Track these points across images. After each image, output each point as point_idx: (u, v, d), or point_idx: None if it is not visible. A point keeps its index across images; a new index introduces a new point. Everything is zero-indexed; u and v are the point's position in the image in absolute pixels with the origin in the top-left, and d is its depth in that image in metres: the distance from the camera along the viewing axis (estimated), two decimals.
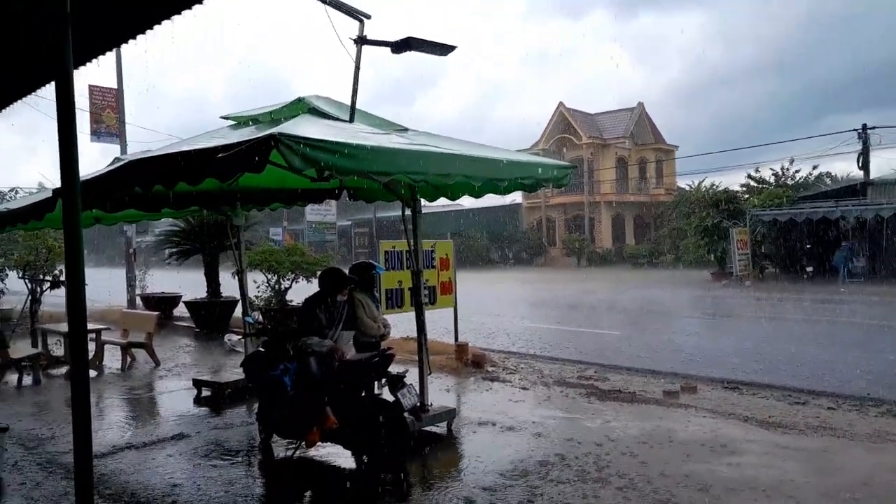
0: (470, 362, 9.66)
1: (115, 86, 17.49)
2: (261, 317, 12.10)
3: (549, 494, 4.84)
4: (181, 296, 16.34)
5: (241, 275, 8.90)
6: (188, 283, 17.48)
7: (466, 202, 48.75)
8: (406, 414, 5.56)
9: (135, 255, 17.99)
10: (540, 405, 7.55)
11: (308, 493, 5.35)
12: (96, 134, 17.14)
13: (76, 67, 2.73)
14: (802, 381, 8.57)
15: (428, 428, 6.48)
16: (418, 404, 5.76)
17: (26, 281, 12.52)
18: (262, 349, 6.19)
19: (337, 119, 5.73)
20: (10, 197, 19.43)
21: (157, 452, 6.22)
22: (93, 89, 17.28)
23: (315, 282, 13.38)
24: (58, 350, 11.13)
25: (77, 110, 2.81)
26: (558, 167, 6.32)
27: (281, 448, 6.21)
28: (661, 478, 5.11)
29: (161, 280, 20.28)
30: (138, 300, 17.30)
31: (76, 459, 2.64)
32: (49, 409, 8.28)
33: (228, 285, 14.97)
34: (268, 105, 6.39)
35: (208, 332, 14.13)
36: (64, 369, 10.37)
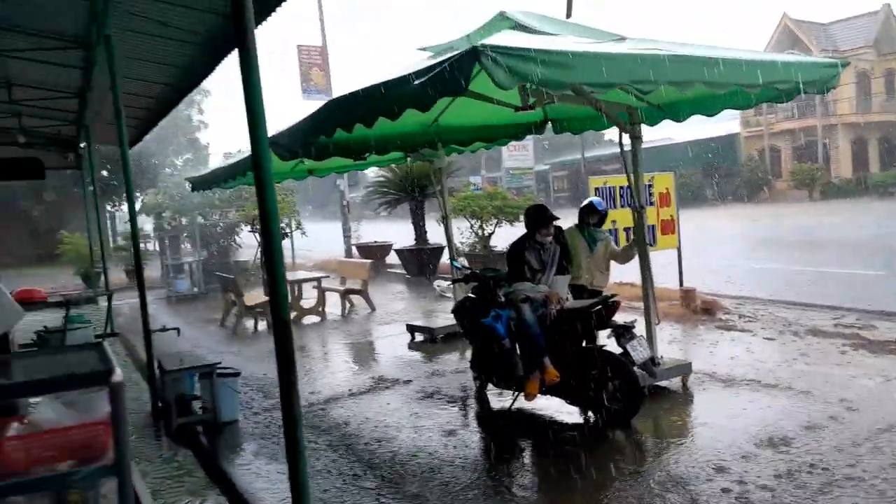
0: (699, 309, 8.58)
1: (320, 43, 18.20)
2: (466, 262, 11.92)
3: (822, 469, 3.90)
4: (392, 244, 16.84)
5: (446, 220, 8.66)
6: (398, 232, 18.01)
7: (676, 134, 45.12)
8: (636, 368, 4.86)
9: (349, 207, 18.86)
10: (794, 359, 6.38)
11: (528, 447, 4.91)
12: (306, 92, 18.01)
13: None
14: None
15: (658, 383, 5.72)
16: (650, 357, 5.01)
17: (255, 234, 13.53)
18: (472, 295, 5.82)
19: (543, 33, 5.01)
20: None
21: (377, 397, 6.22)
22: (300, 49, 18.11)
23: (518, 226, 13.03)
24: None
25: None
26: (823, 65, 5.04)
27: (495, 397, 5.86)
28: None
29: (374, 230, 21.21)
30: (353, 249, 18.18)
31: (283, 407, 2.37)
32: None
33: (435, 232, 15.11)
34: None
35: (418, 278, 14.38)
36: (293, 314, 11.02)
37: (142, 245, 18.39)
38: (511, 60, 3.44)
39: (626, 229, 8.24)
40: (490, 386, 5.91)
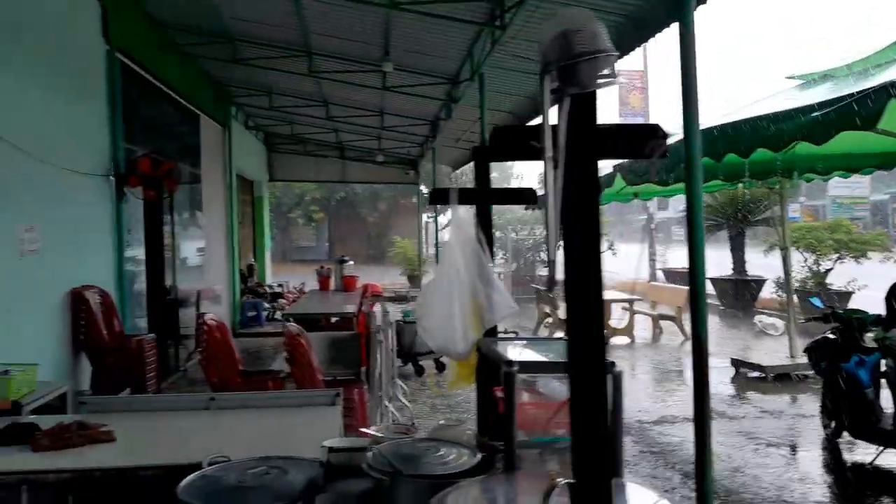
0: None
1: (641, 67, 18.34)
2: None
3: None
4: None
5: (785, 251, 8.18)
6: (708, 259, 17.17)
7: None
8: None
9: (655, 230, 18.59)
10: None
11: None
12: (623, 115, 18.28)
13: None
14: None
15: None
16: None
17: None
18: (831, 336, 5.45)
19: None
20: None
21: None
22: (621, 73, 18.43)
23: (865, 263, 11.61)
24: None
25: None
26: None
27: (849, 451, 5.39)
28: None
29: (675, 255, 20.56)
30: (659, 273, 17.84)
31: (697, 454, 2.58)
32: None
33: (754, 263, 14.17)
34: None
35: (732, 310, 13.62)
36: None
37: None
38: None
39: None
40: (844, 436, 5.45)
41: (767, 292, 13.29)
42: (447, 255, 2.39)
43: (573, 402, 1.15)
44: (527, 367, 2.09)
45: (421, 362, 8.46)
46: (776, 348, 9.06)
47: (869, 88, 3.37)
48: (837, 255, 11.56)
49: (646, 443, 5.74)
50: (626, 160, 6.25)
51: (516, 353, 2.32)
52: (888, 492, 4.69)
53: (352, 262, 10.68)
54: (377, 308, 6.21)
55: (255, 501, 1.85)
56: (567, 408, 2.30)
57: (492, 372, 2.44)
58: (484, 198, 2.44)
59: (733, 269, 14.30)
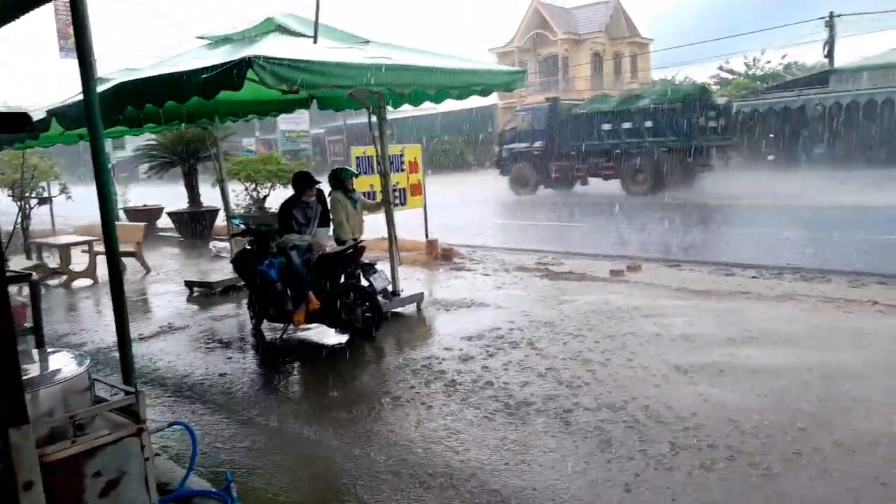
0: (439, 256, 10.55)
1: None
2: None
3: (501, 349, 5.82)
4: (163, 207, 16.90)
5: (222, 183, 9.57)
6: (167, 196, 17.97)
7: (444, 105, 48.58)
8: (379, 296, 6.45)
9: (114, 170, 18.31)
10: (499, 287, 8.53)
11: (297, 365, 6.28)
12: (63, 50, 17.05)
13: None
14: (745, 259, 9.56)
15: (399, 310, 7.41)
16: (389, 287, 6.63)
17: (15, 199, 13.02)
18: (248, 247, 6.98)
19: (303, 35, 6.26)
20: None
21: (162, 341, 7.11)
22: (57, 6, 16.96)
23: (289, 188, 14.11)
24: (52, 262, 11.79)
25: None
26: (508, 73, 6.95)
27: (269, 331, 7.12)
28: (597, 333, 6.11)
29: (140, 194, 20.75)
30: (121, 213, 17.80)
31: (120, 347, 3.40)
32: (53, 313, 9.07)
33: (208, 195, 15.59)
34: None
35: (192, 240, 14.86)
36: (60, 279, 11.06)
37: None
38: (277, 68, 4.71)
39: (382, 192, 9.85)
40: (265, 323, 7.15)
41: (221, 220, 14.92)
42: None
43: None
44: None
45: None
46: (225, 267, 10.59)
47: (234, 60, 4.66)
48: (271, 183, 13.82)
49: (111, 364, 6.42)
50: (59, 106, 6.50)
51: None
52: (292, 354, 6.51)
53: None
54: None
55: None
56: None
57: None
58: None
59: (189, 202, 15.49)
